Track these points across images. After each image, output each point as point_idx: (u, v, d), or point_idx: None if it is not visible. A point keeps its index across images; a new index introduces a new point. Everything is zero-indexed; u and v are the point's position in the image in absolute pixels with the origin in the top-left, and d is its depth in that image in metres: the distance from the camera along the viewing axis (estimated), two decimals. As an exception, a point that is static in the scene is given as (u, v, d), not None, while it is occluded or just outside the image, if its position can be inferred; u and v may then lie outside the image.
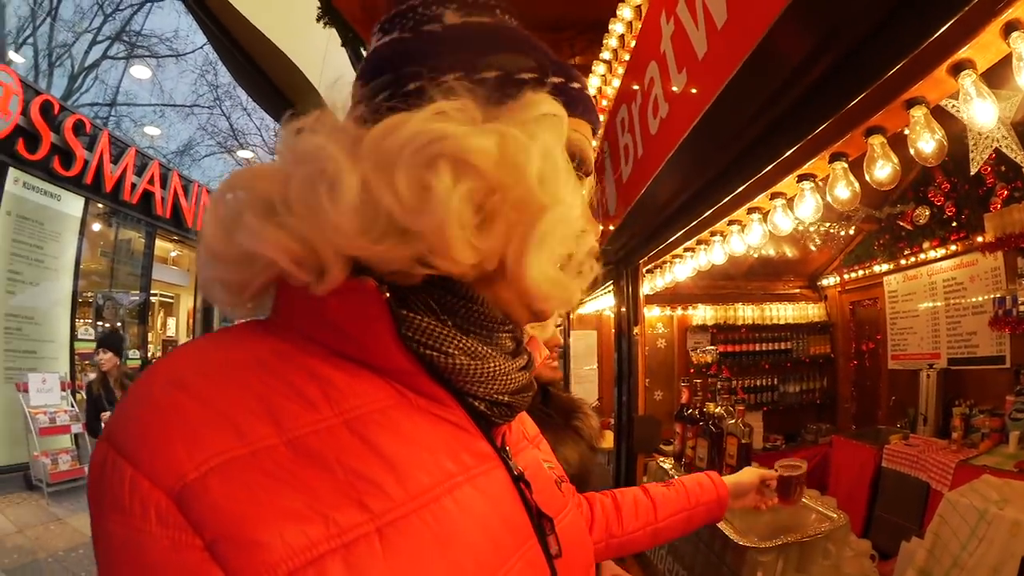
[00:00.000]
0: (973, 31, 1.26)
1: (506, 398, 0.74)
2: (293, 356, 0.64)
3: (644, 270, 4.08)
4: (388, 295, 0.66)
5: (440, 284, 0.69)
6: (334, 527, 0.55)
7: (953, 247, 4.65)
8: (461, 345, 0.69)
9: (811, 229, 5.37)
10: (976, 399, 4.33)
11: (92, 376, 8.03)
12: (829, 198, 1.96)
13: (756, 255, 5.60)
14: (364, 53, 0.78)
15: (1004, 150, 1.78)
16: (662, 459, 3.51)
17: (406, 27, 0.74)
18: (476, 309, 0.71)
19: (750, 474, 1.71)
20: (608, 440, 4.43)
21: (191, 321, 18.21)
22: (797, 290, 6.52)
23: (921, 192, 4.78)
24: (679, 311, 6.32)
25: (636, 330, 4.05)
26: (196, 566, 0.51)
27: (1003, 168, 4.05)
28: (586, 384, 6.92)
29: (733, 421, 2.83)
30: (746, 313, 6.34)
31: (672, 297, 6.05)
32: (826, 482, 4.99)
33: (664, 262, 3.97)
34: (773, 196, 2.32)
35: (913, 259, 5.05)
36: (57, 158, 9.80)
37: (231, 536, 0.51)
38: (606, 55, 3.45)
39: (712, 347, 6.05)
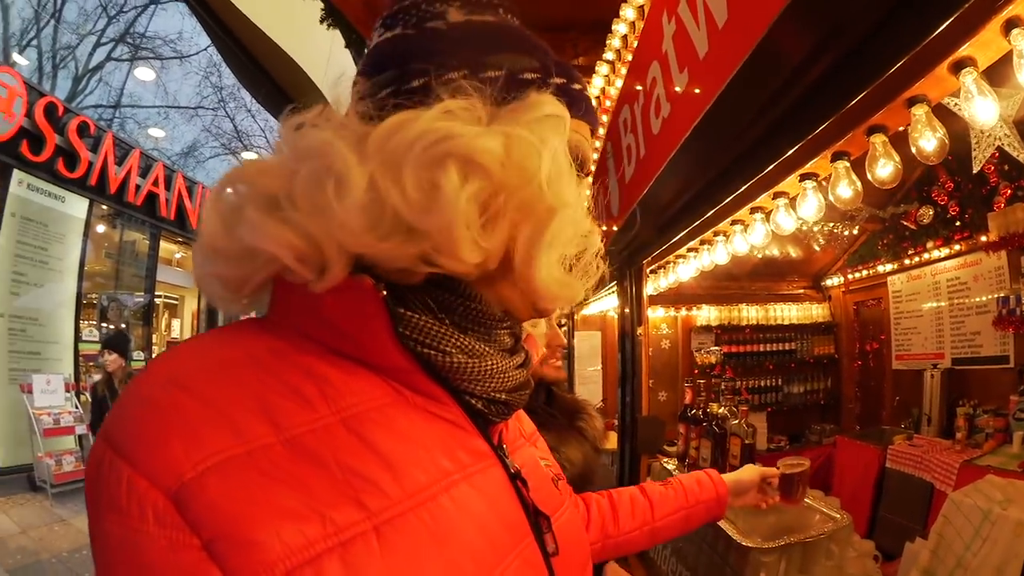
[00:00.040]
0: (973, 29, 1.26)
1: (503, 396, 0.74)
2: (289, 354, 0.64)
3: (648, 270, 4.08)
4: (385, 293, 0.66)
5: (438, 283, 0.69)
6: (331, 526, 0.55)
7: (957, 247, 4.62)
8: (459, 343, 0.69)
9: (815, 229, 5.36)
10: (980, 399, 4.32)
11: (96, 377, 8.06)
12: (831, 197, 1.96)
13: (760, 255, 5.58)
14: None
15: (1007, 148, 1.78)
16: (666, 460, 3.51)
17: (409, 23, 0.74)
18: (474, 307, 0.71)
19: (751, 472, 1.68)
20: (612, 441, 4.43)
21: (196, 323, 18.22)
22: (801, 290, 6.50)
23: (925, 191, 4.76)
24: (683, 312, 6.30)
25: (640, 330, 4.05)
26: (194, 566, 0.51)
27: (1006, 167, 4.03)
28: (590, 385, 6.91)
29: (737, 422, 2.82)
30: (750, 314, 6.31)
31: (676, 298, 6.03)
32: (830, 483, 4.97)
33: (668, 262, 3.97)
34: (776, 196, 2.32)
35: (917, 259, 5.03)
36: (61, 160, 9.81)
37: (229, 535, 0.51)
38: (609, 55, 3.45)
39: (716, 348, 6.03)
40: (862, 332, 5.99)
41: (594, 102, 3.71)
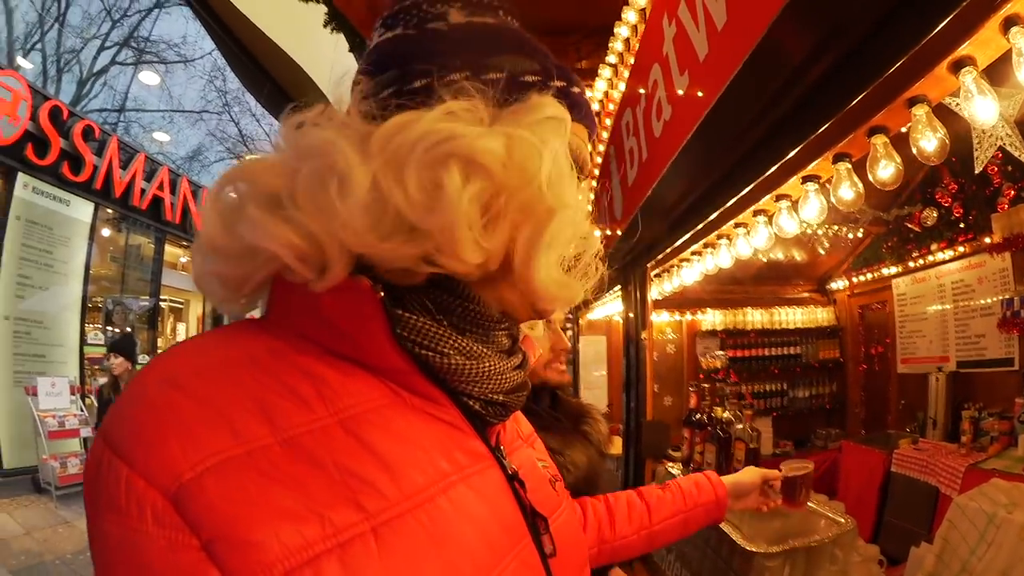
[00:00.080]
0: (973, 27, 1.25)
1: (501, 397, 0.74)
2: (287, 354, 0.64)
3: (652, 274, 4.07)
4: (383, 294, 0.66)
5: (437, 284, 0.69)
6: (330, 527, 0.55)
7: (961, 248, 4.61)
8: (456, 345, 0.69)
9: (819, 232, 5.35)
10: (985, 402, 4.29)
11: (102, 381, 8.08)
12: (833, 199, 1.95)
13: (765, 259, 5.58)
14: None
15: (1008, 148, 1.77)
16: (671, 464, 3.51)
17: (410, 24, 0.74)
18: (473, 308, 0.71)
19: (751, 474, 1.65)
20: (616, 446, 4.42)
21: (201, 327, 18.29)
22: (806, 294, 6.49)
23: (928, 193, 4.75)
24: (688, 316, 6.31)
25: (644, 335, 4.05)
26: (193, 566, 0.51)
27: (1010, 168, 4.02)
28: (596, 390, 6.91)
29: (741, 426, 2.82)
30: (755, 318, 6.31)
31: (681, 302, 6.02)
32: (835, 488, 4.95)
33: (672, 266, 3.97)
34: (778, 198, 2.31)
35: (921, 261, 5.01)
36: (66, 163, 9.89)
37: (227, 536, 0.51)
38: (612, 58, 3.44)
39: (721, 352, 6.04)
40: (867, 336, 5.98)
41: (597, 106, 3.71)
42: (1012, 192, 4.05)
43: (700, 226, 2.77)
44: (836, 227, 5.39)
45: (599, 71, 3.61)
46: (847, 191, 1.90)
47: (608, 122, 3.60)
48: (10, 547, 6.33)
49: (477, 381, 0.71)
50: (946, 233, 4.74)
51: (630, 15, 3.05)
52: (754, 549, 2.08)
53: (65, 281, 10.25)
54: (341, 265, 0.63)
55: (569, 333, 7.55)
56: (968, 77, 1.38)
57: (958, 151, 1.63)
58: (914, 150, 1.58)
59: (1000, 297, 4.28)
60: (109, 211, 11.54)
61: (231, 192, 0.68)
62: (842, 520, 2.19)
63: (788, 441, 5.75)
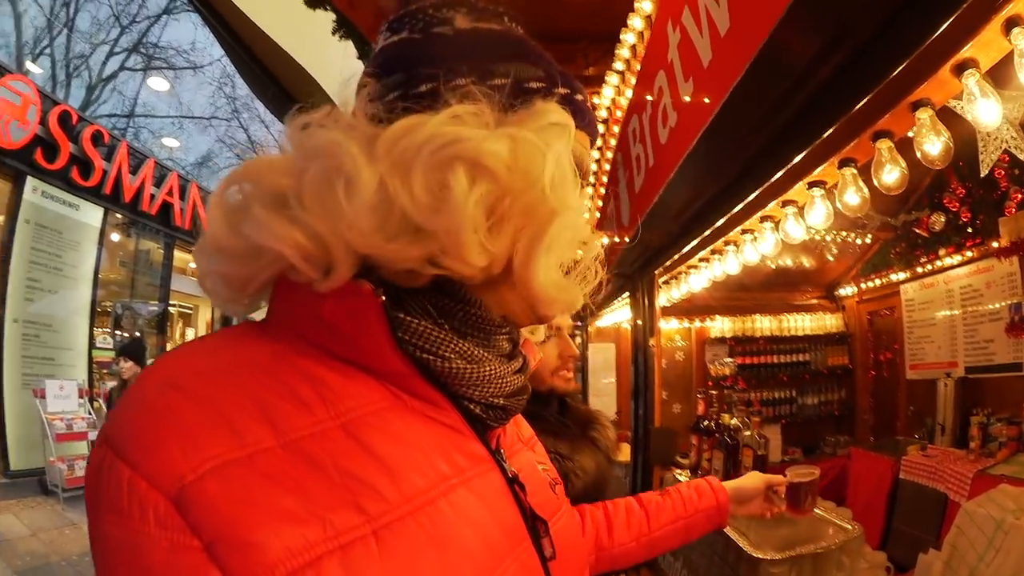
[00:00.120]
0: (974, 29, 1.25)
1: (501, 401, 0.75)
2: (288, 357, 0.65)
3: (660, 281, 4.07)
4: (384, 298, 0.66)
5: (439, 287, 0.69)
6: (331, 529, 0.55)
7: (969, 253, 4.60)
8: (457, 349, 0.69)
9: (828, 238, 5.34)
10: (994, 407, 4.27)
11: (111, 384, 8.11)
12: (839, 204, 1.95)
13: (773, 266, 5.57)
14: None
15: (1013, 151, 1.76)
16: (679, 471, 3.51)
17: (416, 28, 0.74)
18: (474, 312, 0.72)
19: (754, 479, 1.62)
20: (625, 453, 4.42)
21: (209, 331, 18.31)
22: (815, 301, 6.47)
23: (936, 198, 4.74)
24: (697, 323, 6.31)
25: (652, 341, 4.04)
26: (195, 567, 0.51)
27: (1017, 171, 4.01)
28: (604, 397, 6.90)
29: (749, 433, 2.82)
30: (764, 325, 6.31)
31: (690, 309, 6.03)
32: (844, 495, 4.93)
33: (679, 272, 3.96)
34: (784, 204, 2.31)
35: (930, 267, 5.00)
36: (76, 168, 9.94)
37: (229, 538, 0.52)
38: (619, 65, 3.44)
39: (730, 359, 6.01)
40: (876, 342, 5.96)
41: (605, 112, 3.72)
42: (1019, 196, 4.04)
43: (707, 232, 2.77)
44: (845, 233, 5.38)
45: (606, 78, 3.61)
46: (853, 196, 1.90)
47: (616, 129, 3.61)
48: (15, 548, 6.36)
49: (478, 385, 0.71)
50: (954, 238, 4.72)
51: (636, 22, 3.05)
52: (760, 556, 2.07)
53: (74, 285, 10.29)
54: (346, 266, 0.63)
55: (578, 340, 7.55)
56: (971, 79, 1.38)
57: (965, 155, 1.63)
58: (918, 154, 1.58)
59: (1008, 302, 4.26)
60: (118, 216, 11.58)
61: (236, 192, 0.68)
62: (849, 527, 2.18)
63: (797, 448, 5.72)
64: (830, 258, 5.87)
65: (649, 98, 2.73)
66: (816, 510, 2.22)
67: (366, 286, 0.66)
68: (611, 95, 3.64)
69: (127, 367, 6.66)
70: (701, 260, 3.53)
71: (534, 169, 0.65)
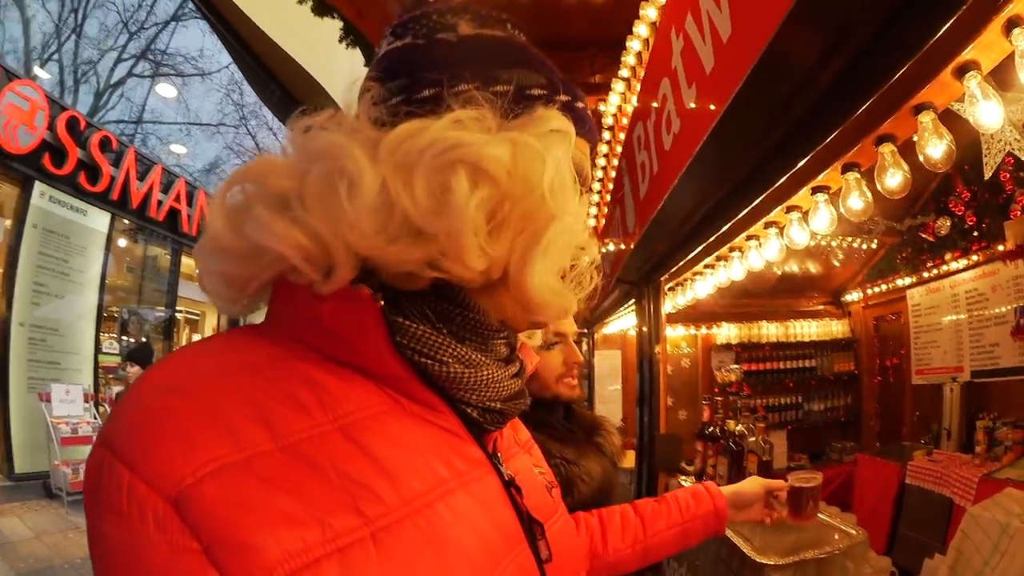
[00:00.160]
0: (975, 30, 1.25)
1: (498, 405, 0.75)
2: (287, 361, 0.65)
3: (666, 288, 4.07)
4: (383, 303, 0.66)
5: (438, 291, 0.70)
6: (329, 531, 0.55)
7: (975, 257, 4.56)
8: (455, 353, 0.70)
9: (833, 244, 5.33)
10: (1000, 411, 4.25)
11: (118, 389, 8.12)
12: (842, 209, 1.95)
13: (779, 272, 5.57)
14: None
15: (1017, 153, 1.76)
16: (684, 478, 3.51)
17: (420, 33, 0.75)
18: (472, 317, 0.72)
19: (754, 483, 1.58)
20: (630, 459, 4.41)
21: (214, 337, 18.32)
22: (821, 307, 6.45)
23: (942, 202, 4.71)
24: (703, 330, 6.31)
25: (658, 348, 4.04)
26: (194, 569, 0.51)
27: (1022, 174, 3.99)
28: (610, 404, 6.90)
29: (754, 439, 2.82)
30: (770, 331, 6.29)
31: (696, 316, 6.02)
32: (850, 501, 4.91)
33: (685, 279, 3.96)
34: (789, 210, 2.32)
35: (935, 271, 4.97)
36: (83, 173, 9.98)
37: (228, 540, 0.52)
38: (624, 72, 3.46)
39: (736, 366, 6.01)
40: (882, 348, 5.93)
41: (611, 119, 3.73)
42: (1024, 198, 4.03)
43: (712, 239, 2.76)
44: (850, 239, 5.37)
45: (612, 85, 3.62)
46: (856, 201, 1.90)
47: (622, 136, 3.62)
48: (18, 550, 6.38)
49: (475, 389, 0.72)
50: (960, 242, 4.69)
51: (642, 29, 3.07)
52: (764, 561, 2.07)
53: (81, 290, 10.33)
54: (347, 267, 0.64)
55: (584, 347, 7.55)
56: (973, 82, 1.38)
57: (970, 158, 1.63)
58: (921, 158, 1.58)
59: (1014, 305, 4.25)
60: (126, 222, 11.62)
61: (238, 192, 0.68)
62: (853, 532, 2.18)
63: (803, 454, 5.69)
64: (836, 264, 5.86)
65: (655, 105, 2.74)
66: (820, 515, 2.22)
67: (365, 291, 0.66)
68: (617, 102, 3.65)
69: (134, 372, 6.69)
70: (706, 267, 3.53)
71: (534, 174, 0.66)
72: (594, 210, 5.01)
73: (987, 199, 4.36)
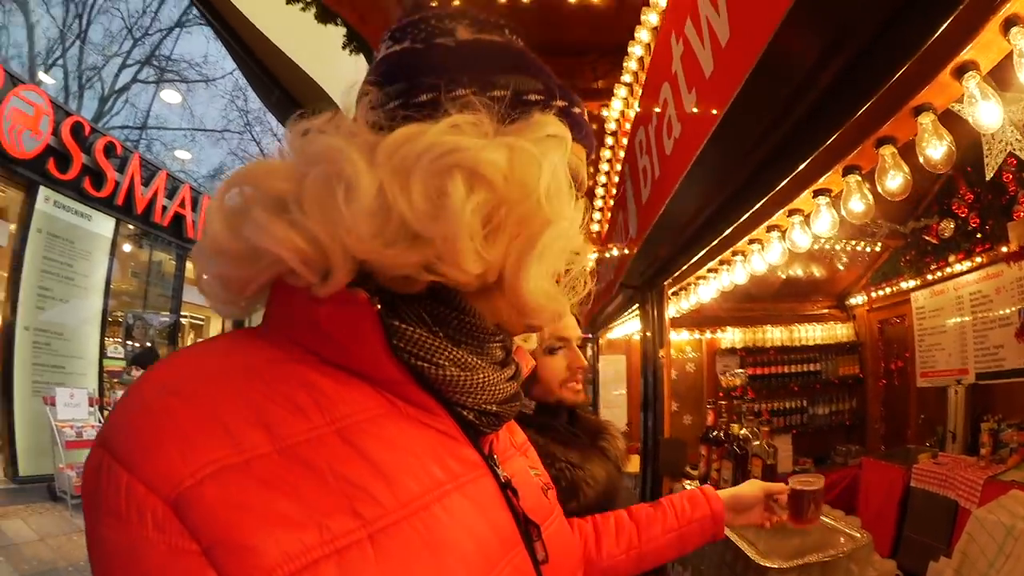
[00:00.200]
0: (974, 30, 1.26)
1: (494, 408, 0.75)
2: (284, 364, 0.65)
3: (669, 292, 4.07)
4: (379, 306, 0.67)
5: (434, 294, 0.70)
6: (327, 533, 0.55)
7: (978, 259, 4.55)
8: (451, 356, 0.70)
9: (837, 247, 5.33)
10: (1004, 413, 4.23)
11: (121, 394, 8.12)
12: (843, 212, 1.96)
13: (783, 276, 5.57)
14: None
15: (1018, 154, 1.76)
16: (688, 482, 3.50)
17: (418, 38, 0.75)
18: (468, 320, 0.72)
19: (752, 487, 1.54)
20: (634, 464, 4.41)
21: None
22: (825, 310, 6.44)
23: (945, 204, 4.71)
24: (708, 335, 6.31)
25: (662, 353, 4.04)
26: (193, 571, 0.51)
27: (1024, 175, 3.99)
28: (615, 409, 6.90)
29: (758, 443, 2.82)
30: (775, 335, 6.30)
31: (701, 320, 6.04)
32: (855, 504, 4.90)
33: (688, 283, 3.97)
34: (790, 213, 2.32)
35: (939, 273, 4.96)
36: (88, 179, 10.01)
37: (227, 541, 0.52)
38: (627, 78, 3.46)
39: (741, 370, 6.01)
40: (887, 351, 5.92)
41: (614, 125, 3.74)
42: (1028, 199, 4.02)
43: (714, 242, 2.77)
44: (854, 242, 5.37)
45: (615, 91, 3.63)
46: (857, 203, 1.90)
47: (624, 141, 3.62)
48: (22, 552, 6.40)
49: (471, 392, 0.72)
50: (963, 244, 4.68)
51: (643, 34, 3.07)
52: (768, 564, 2.07)
53: (85, 294, 10.36)
54: (344, 271, 0.64)
55: (588, 352, 7.55)
56: (972, 82, 1.38)
57: (973, 159, 1.63)
58: (921, 159, 1.58)
59: (1018, 307, 4.23)
60: (131, 227, 11.65)
61: (236, 195, 0.69)
62: (857, 535, 2.18)
63: (808, 458, 5.68)
64: (840, 267, 5.85)
65: (656, 110, 2.75)
66: (824, 519, 2.22)
67: (362, 294, 0.66)
68: (620, 107, 3.66)
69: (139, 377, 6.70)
70: (709, 271, 3.54)
71: (530, 179, 0.66)
72: (597, 215, 5.02)
73: (990, 200, 4.35)
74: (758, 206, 2.20)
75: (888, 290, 5.68)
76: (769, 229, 2.56)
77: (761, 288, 5.44)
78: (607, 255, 4.67)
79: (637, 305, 4.40)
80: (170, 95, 20.04)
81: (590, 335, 7.69)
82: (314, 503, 0.57)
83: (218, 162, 24.39)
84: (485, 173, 0.64)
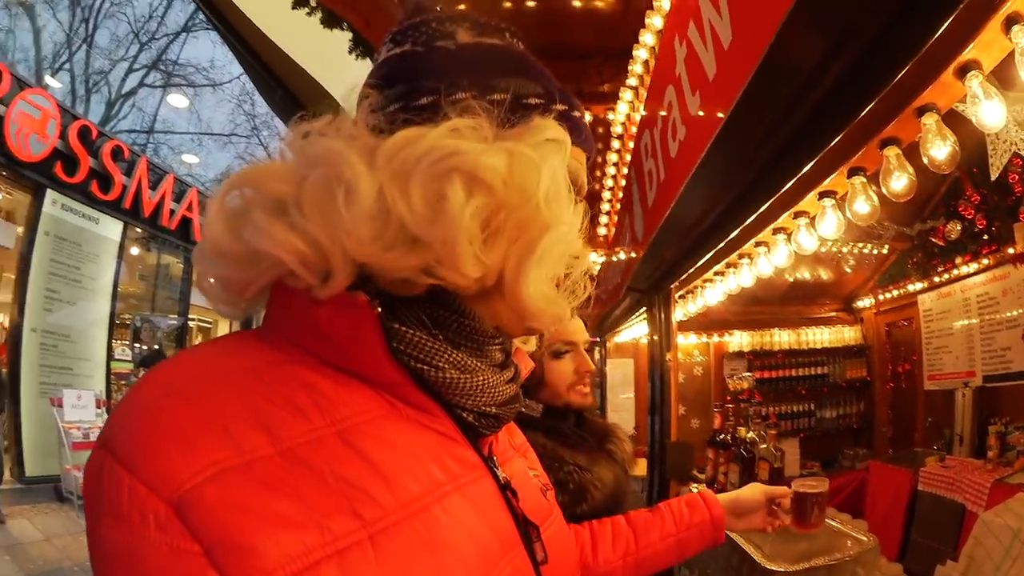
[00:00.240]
0: (975, 29, 1.25)
1: (493, 410, 0.76)
2: (285, 366, 0.65)
3: (676, 296, 4.07)
4: (379, 309, 0.67)
5: (434, 297, 0.70)
6: (328, 534, 0.56)
7: (985, 261, 4.53)
8: (451, 359, 0.70)
9: (844, 250, 5.31)
10: (1012, 416, 4.20)
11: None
12: (848, 214, 1.95)
13: (791, 279, 5.56)
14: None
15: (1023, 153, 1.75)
16: (695, 485, 3.49)
17: (419, 41, 0.76)
18: (467, 323, 0.72)
19: (753, 490, 1.51)
20: (641, 467, 4.41)
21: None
22: (833, 313, 6.44)
23: (952, 206, 4.69)
24: (715, 338, 6.32)
25: (669, 356, 4.03)
26: (195, 571, 0.52)
27: (1031, 176, 3.97)
28: (623, 412, 6.91)
29: (765, 446, 2.81)
30: (782, 338, 6.30)
31: (708, 324, 6.04)
32: (862, 508, 4.88)
33: (695, 287, 3.96)
34: (796, 215, 2.31)
35: (947, 276, 4.94)
36: (95, 182, 10.09)
37: (228, 542, 0.52)
38: (632, 81, 3.46)
39: (748, 373, 6.00)
40: (894, 354, 5.90)
41: (620, 128, 3.74)
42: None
43: (720, 245, 2.76)
44: (861, 244, 5.35)
45: (620, 94, 3.63)
46: (863, 205, 1.89)
47: (631, 144, 3.62)
48: (28, 552, 6.44)
49: (471, 394, 0.72)
50: (970, 246, 4.66)
51: (648, 37, 3.07)
52: (774, 568, 2.06)
53: (93, 297, 10.43)
54: (344, 273, 0.64)
55: (596, 355, 7.56)
56: (974, 81, 1.38)
57: (979, 161, 1.62)
58: (925, 160, 1.57)
59: (1024, 309, 4.23)
60: (138, 230, 11.71)
61: (237, 197, 0.69)
62: (864, 538, 2.17)
63: (815, 462, 5.66)
64: (847, 270, 5.84)
65: (661, 113, 2.75)
66: (831, 522, 2.21)
67: (361, 297, 0.67)
68: (626, 111, 3.66)
69: (147, 379, 6.72)
70: (716, 274, 3.53)
71: (529, 184, 0.66)
72: (604, 219, 5.02)
73: (996, 202, 4.33)
74: (763, 208, 2.19)
75: (895, 292, 5.67)
76: (775, 231, 2.56)
77: (768, 291, 5.43)
78: (614, 259, 4.66)
79: (644, 309, 4.40)
80: (177, 99, 20.14)
81: (598, 339, 7.68)
82: (314, 504, 0.57)
83: (225, 166, 24.41)
84: (484, 177, 0.64)
